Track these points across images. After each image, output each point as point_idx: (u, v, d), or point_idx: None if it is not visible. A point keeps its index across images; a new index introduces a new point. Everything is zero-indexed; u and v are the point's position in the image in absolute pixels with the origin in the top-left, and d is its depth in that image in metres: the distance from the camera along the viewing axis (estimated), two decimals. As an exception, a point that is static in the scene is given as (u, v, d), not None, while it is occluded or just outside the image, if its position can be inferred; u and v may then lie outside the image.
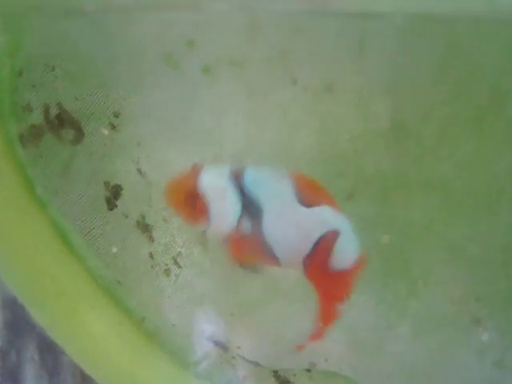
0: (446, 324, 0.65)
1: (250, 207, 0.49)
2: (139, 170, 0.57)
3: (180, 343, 0.53)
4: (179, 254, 0.58)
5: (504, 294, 0.64)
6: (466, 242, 0.65)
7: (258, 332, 0.60)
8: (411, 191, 0.64)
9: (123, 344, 0.50)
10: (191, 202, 0.48)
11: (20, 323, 0.63)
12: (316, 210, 0.50)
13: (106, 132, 0.55)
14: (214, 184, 0.49)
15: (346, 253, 0.51)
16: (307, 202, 0.51)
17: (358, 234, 0.55)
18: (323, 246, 0.51)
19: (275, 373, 0.55)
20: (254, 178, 0.51)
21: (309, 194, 0.50)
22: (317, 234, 0.51)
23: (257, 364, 0.56)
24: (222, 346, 0.56)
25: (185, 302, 0.57)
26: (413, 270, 0.65)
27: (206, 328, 0.57)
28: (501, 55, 0.60)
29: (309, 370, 0.56)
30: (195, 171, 0.47)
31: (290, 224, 0.51)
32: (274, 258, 0.50)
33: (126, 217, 0.55)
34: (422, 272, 0.65)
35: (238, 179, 0.50)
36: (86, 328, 0.49)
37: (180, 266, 0.58)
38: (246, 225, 0.48)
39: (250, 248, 0.49)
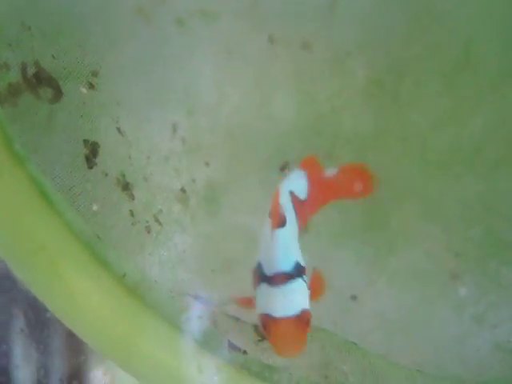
0: (424, 280, 0.66)
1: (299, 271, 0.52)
2: (119, 129, 0.58)
3: (161, 298, 0.54)
4: (160, 211, 0.59)
5: (482, 249, 0.65)
6: (445, 199, 0.65)
7: (239, 288, 0.60)
8: (389, 148, 0.65)
9: (103, 298, 0.51)
10: None
11: (2, 280, 0.64)
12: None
13: (84, 91, 0.55)
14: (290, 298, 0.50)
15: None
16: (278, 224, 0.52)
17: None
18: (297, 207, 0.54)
19: (255, 327, 0.56)
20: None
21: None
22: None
23: (237, 319, 0.56)
24: (202, 302, 0.56)
25: (166, 258, 0.58)
26: (392, 227, 0.65)
27: (186, 284, 0.57)
28: (474, 13, 0.61)
29: (289, 324, 0.57)
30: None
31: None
32: None
33: (106, 175, 0.55)
34: (401, 229, 0.66)
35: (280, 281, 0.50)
36: (66, 282, 0.50)
37: (161, 224, 0.58)
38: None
39: None
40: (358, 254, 0.64)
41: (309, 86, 0.63)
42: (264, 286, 0.50)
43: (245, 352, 0.54)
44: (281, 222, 0.52)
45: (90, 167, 0.55)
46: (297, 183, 0.57)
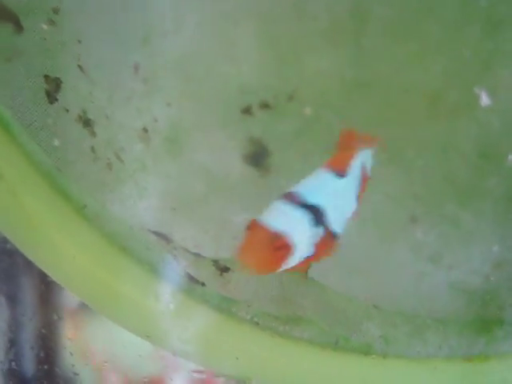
0: (384, 221, 0.68)
1: (316, 215, 0.49)
2: (80, 67, 0.58)
3: (121, 231, 0.55)
4: (122, 149, 0.60)
5: (440, 193, 0.66)
6: (405, 142, 0.66)
7: (200, 226, 0.62)
8: (351, 92, 0.65)
9: (63, 227, 0.52)
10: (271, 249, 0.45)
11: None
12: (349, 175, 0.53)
13: (45, 27, 0.56)
14: (287, 219, 0.47)
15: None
16: (342, 173, 0.52)
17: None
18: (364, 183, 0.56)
19: (215, 262, 0.57)
20: (308, 189, 0.50)
21: (340, 164, 0.53)
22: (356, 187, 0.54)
23: (198, 255, 0.58)
24: (162, 237, 0.57)
25: (127, 195, 0.59)
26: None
27: (147, 221, 0.58)
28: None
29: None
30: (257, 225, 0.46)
31: (341, 201, 0.53)
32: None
33: (67, 111, 0.56)
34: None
35: (294, 200, 0.48)
36: (26, 211, 0.51)
37: (122, 161, 0.59)
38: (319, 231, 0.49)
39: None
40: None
41: (271, 27, 0.64)
42: (279, 199, 0.48)
43: (203, 284, 0.56)
44: (341, 172, 0.52)
45: (51, 102, 0.55)
46: (368, 161, 0.56)
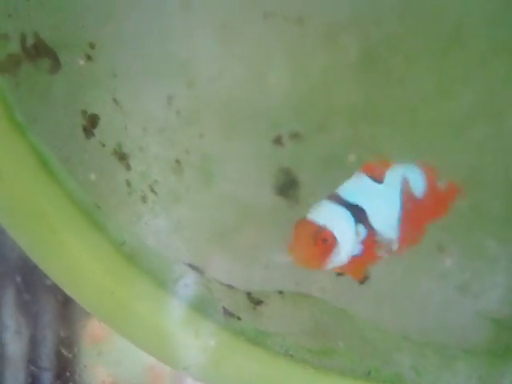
0: (411, 251, 0.68)
1: (359, 215, 0.52)
2: (115, 100, 0.58)
3: (158, 266, 0.55)
4: (155, 181, 0.60)
5: (467, 222, 0.67)
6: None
7: (232, 256, 0.62)
8: (380, 122, 0.66)
9: (103, 265, 0.52)
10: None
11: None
12: (386, 179, 0.54)
13: (82, 62, 0.56)
14: (330, 215, 0.51)
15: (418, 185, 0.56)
16: (379, 178, 0.54)
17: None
18: (406, 196, 0.55)
19: (248, 294, 0.58)
20: (348, 191, 0.53)
21: (377, 172, 0.54)
22: (397, 195, 0.55)
23: (231, 286, 0.58)
24: (197, 270, 0.58)
25: (161, 227, 0.59)
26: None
27: (182, 253, 0.59)
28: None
29: (281, 292, 0.59)
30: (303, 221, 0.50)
31: (382, 204, 0.54)
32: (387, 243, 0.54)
33: (104, 145, 0.57)
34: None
35: (337, 199, 0.52)
36: (66, 250, 0.51)
37: (156, 193, 0.60)
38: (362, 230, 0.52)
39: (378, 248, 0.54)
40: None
41: (302, 59, 0.64)
42: (325, 199, 0.52)
43: (239, 318, 0.56)
44: (377, 177, 0.54)
45: (88, 137, 0.56)
46: (415, 177, 0.57)
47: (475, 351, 0.60)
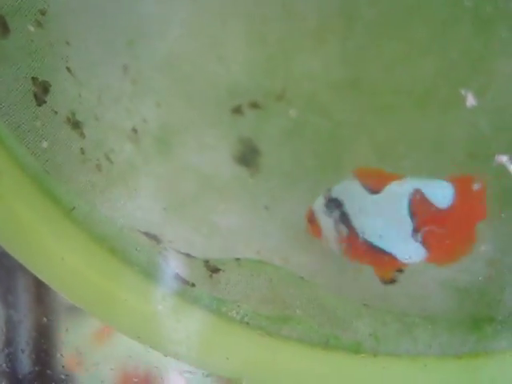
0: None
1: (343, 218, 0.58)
2: (68, 69, 0.58)
3: (111, 233, 0.55)
4: (111, 150, 0.60)
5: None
6: (393, 143, 0.67)
7: (191, 226, 0.62)
8: (339, 91, 0.65)
9: (51, 230, 0.52)
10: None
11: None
12: (387, 190, 0.56)
13: (32, 29, 0.56)
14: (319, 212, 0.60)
15: (441, 192, 0.56)
16: (375, 190, 0.56)
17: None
18: (418, 207, 0.55)
19: (206, 262, 0.57)
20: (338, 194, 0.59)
21: (372, 182, 0.56)
22: (404, 206, 0.55)
23: (188, 255, 0.58)
24: (154, 239, 0.57)
25: (117, 196, 0.59)
26: (345, 169, 0.66)
27: (138, 221, 0.59)
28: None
29: (238, 259, 0.59)
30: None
31: (372, 212, 0.57)
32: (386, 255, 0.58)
33: (56, 113, 0.56)
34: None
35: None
36: (14, 214, 0.51)
37: (112, 162, 0.59)
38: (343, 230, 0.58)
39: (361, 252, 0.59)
40: (311, 193, 0.65)
41: (260, 27, 0.64)
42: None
43: (193, 285, 0.56)
44: (373, 186, 0.57)
45: (39, 104, 0.55)
46: (432, 190, 0.57)
47: (436, 319, 0.60)
